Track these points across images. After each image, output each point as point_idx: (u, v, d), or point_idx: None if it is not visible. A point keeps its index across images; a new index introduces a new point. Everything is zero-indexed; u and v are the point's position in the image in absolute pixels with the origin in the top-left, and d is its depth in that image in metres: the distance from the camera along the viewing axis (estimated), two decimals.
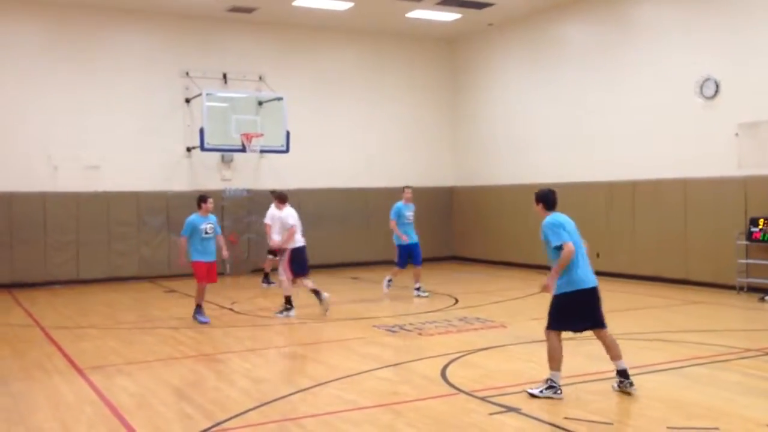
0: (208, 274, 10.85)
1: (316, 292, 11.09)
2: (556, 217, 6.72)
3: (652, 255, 14.45)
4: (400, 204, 12.93)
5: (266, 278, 14.93)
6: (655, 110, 14.45)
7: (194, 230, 10.76)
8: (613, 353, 6.61)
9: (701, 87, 13.54)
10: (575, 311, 6.57)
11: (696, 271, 13.64)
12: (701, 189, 13.56)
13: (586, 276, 6.57)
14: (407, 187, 13.23)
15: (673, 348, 8.53)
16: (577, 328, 6.73)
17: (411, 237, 12.84)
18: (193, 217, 10.87)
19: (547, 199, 6.82)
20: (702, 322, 10.43)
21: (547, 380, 6.54)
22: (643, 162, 14.64)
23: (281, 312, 11.14)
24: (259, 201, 17.58)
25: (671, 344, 8.75)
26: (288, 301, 11.13)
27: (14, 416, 6.38)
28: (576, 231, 6.72)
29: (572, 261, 6.49)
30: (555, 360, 6.56)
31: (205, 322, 10.65)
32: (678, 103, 13.97)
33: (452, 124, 20.16)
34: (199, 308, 10.89)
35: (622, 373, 6.59)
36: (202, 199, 10.98)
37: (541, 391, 6.48)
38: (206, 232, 10.78)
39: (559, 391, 6.47)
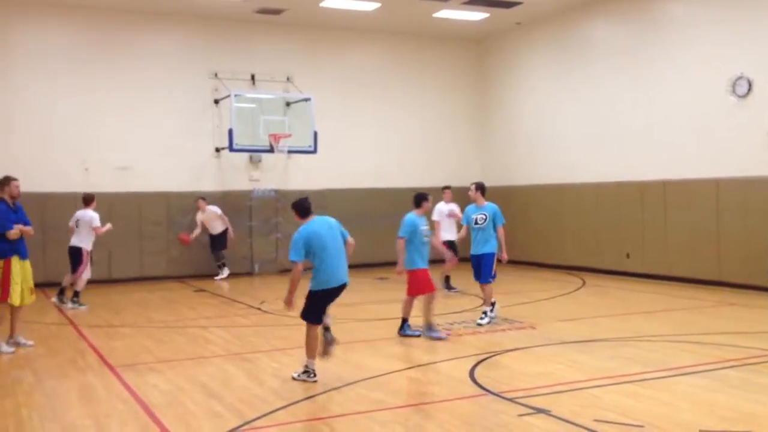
0: (430, 283, 9.25)
1: (75, 294, 12.39)
2: (306, 229, 7.21)
3: (684, 256, 14.27)
4: (469, 207, 10.90)
5: (447, 282, 13.64)
6: (686, 109, 14.26)
7: (414, 232, 9.25)
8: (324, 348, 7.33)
9: (734, 85, 13.34)
10: (323, 306, 7.31)
11: (729, 272, 13.44)
12: (734, 189, 13.35)
13: (335, 276, 7.27)
14: (473, 184, 10.87)
15: (705, 350, 8.42)
16: (321, 320, 7.35)
17: (472, 246, 10.89)
18: (413, 217, 9.33)
19: (298, 207, 7.38)
20: (734, 324, 10.28)
21: (305, 366, 7.25)
22: (675, 162, 14.45)
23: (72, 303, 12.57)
24: (287, 202, 17.69)
25: (703, 346, 8.63)
26: (75, 294, 12.59)
27: (48, 413, 6.50)
28: (330, 236, 7.27)
29: (321, 265, 7.16)
30: (312, 349, 7.23)
31: (416, 336, 9.36)
32: (710, 102, 13.76)
33: (480, 124, 20.08)
34: (406, 322, 9.47)
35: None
36: (422, 197, 9.43)
37: (299, 375, 7.23)
38: (425, 235, 9.34)
39: (312, 375, 7.18)
